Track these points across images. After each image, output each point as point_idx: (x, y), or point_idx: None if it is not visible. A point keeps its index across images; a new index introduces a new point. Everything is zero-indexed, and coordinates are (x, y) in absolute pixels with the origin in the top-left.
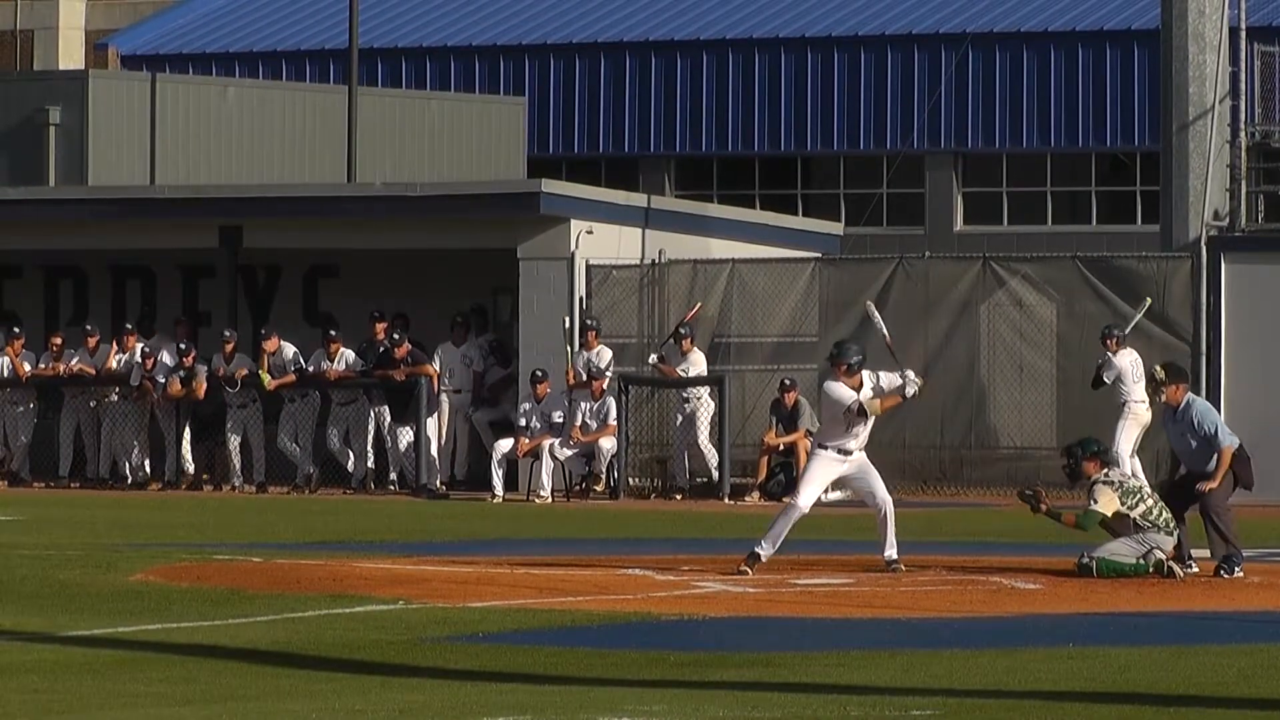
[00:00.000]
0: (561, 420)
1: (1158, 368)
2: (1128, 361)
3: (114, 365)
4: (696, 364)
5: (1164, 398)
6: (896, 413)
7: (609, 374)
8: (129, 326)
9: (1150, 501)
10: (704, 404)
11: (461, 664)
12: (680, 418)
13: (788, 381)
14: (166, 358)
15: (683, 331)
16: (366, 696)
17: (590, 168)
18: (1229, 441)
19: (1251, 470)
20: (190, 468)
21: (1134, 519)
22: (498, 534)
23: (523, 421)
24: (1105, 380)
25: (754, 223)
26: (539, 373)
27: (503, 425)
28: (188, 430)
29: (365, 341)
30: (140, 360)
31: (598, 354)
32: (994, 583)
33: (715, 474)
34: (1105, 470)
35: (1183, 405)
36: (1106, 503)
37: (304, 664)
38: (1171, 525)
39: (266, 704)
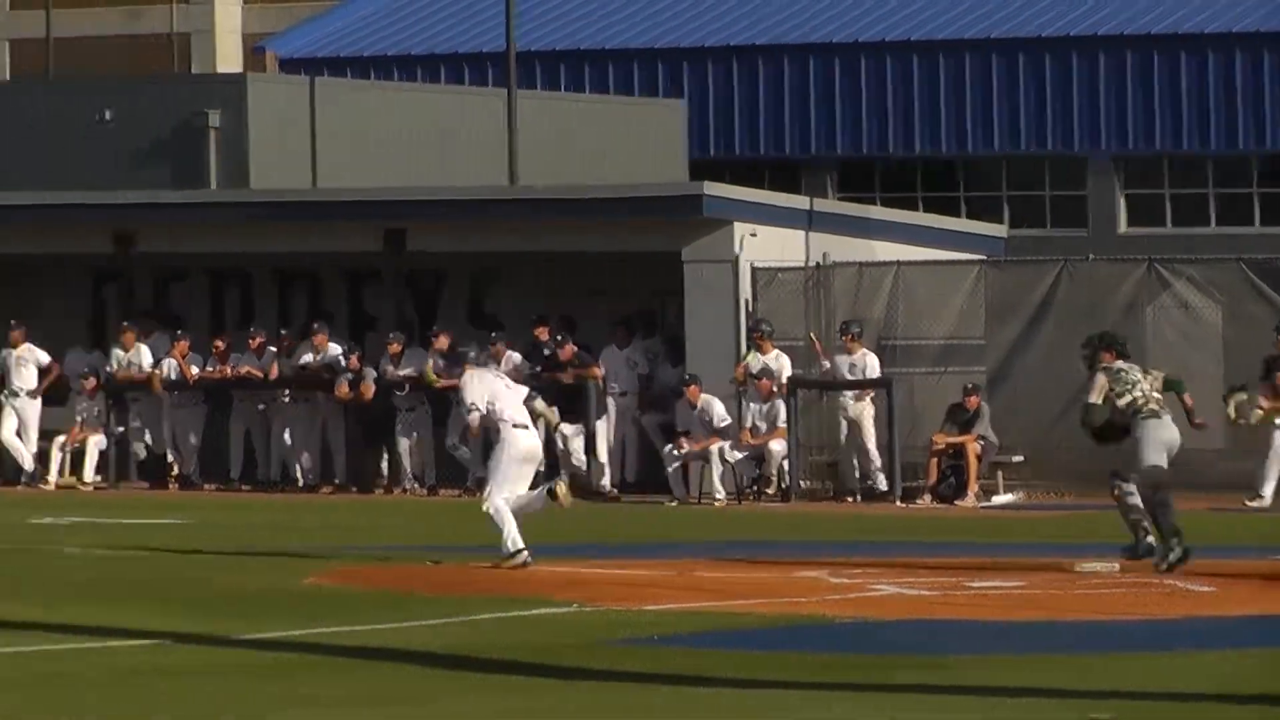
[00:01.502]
0: (724, 424)
1: None
2: None
3: (306, 361)
4: (869, 365)
5: None
6: (1064, 417)
7: (784, 379)
8: (316, 326)
9: (1138, 393)
10: (867, 407)
11: (636, 667)
12: (845, 421)
13: (970, 385)
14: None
15: (854, 331)
16: (540, 699)
17: (752, 171)
18: None
19: None
20: (385, 470)
21: (1121, 408)
22: (670, 537)
23: (686, 425)
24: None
25: (917, 225)
26: (688, 376)
27: (673, 428)
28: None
29: (530, 344)
30: (341, 358)
31: (776, 358)
32: (1166, 585)
33: (881, 477)
34: (1117, 361)
35: None
36: (1096, 391)
37: (477, 667)
38: (1161, 411)
39: (440, 706)
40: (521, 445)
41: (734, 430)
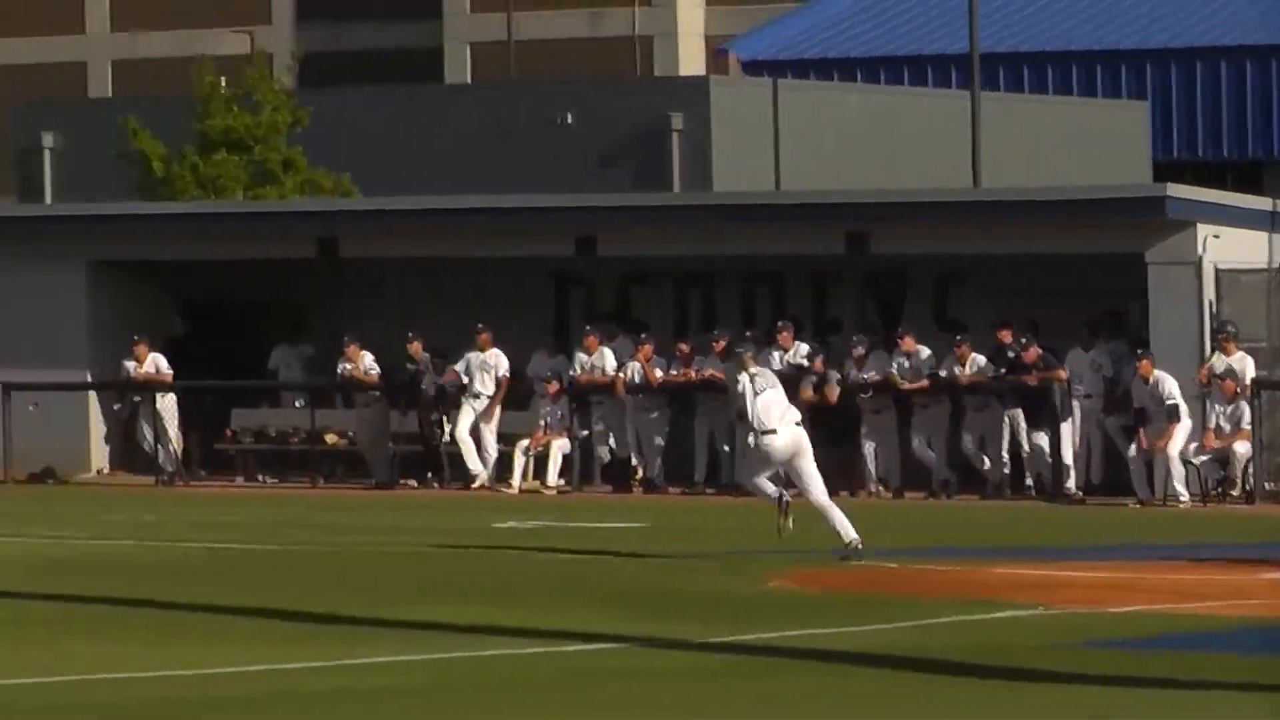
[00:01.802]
0: (1171, 402)
1: None
2: None
3: (775, 360)
4: None
5: None
6: None
7: (1249, 381)
8: (781, 324)
9: None
10: None
11: (1098, 669)
12: None
13: None
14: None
15: None
16: (992, 699)
17: (1215, 172)
18: None
19: None
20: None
21: None
22: (1134, 539)
23: (1140, 401)
24: None
25: None
26: (1140, 351)
27: (1135, 428)
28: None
29: (994, 347)
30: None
31: (1240, 359)
32: None
33: None
34: None
35: None
36: None
37: (932, 668)
38: None
39: (888, 704)
40: (761, 449)
41: (1183, 412)
